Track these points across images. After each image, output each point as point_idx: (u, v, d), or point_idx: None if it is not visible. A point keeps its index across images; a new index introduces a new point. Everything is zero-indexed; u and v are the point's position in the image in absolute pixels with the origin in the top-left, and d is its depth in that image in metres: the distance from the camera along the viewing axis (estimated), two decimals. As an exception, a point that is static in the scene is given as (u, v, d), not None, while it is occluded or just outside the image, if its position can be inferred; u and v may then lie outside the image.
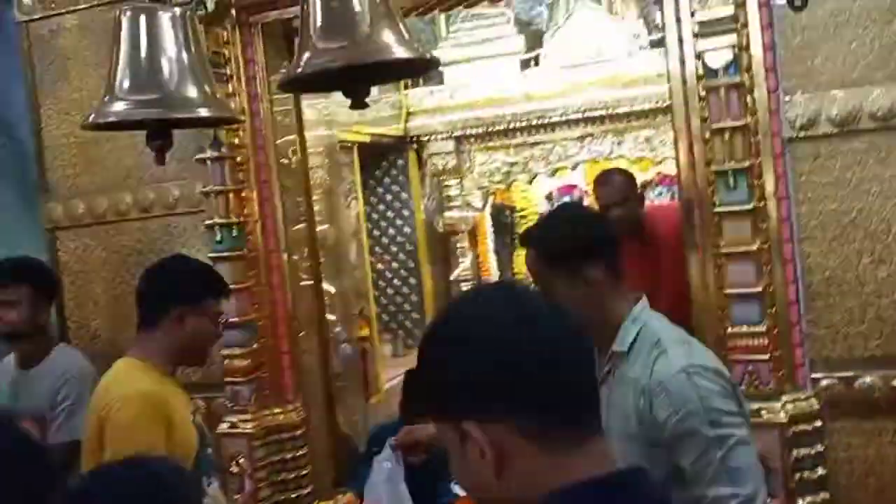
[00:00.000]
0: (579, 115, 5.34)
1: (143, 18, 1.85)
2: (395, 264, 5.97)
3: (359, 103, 1.66)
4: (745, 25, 2.64)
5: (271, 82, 3.33)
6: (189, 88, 1.83)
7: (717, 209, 2.67)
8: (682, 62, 2.74)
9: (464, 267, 5.93)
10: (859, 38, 2.63)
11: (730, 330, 2.67)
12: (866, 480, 2.69)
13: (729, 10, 2.60)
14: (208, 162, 3.27)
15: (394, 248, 5.97)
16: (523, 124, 5.46)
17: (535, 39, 5.71)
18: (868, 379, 2.66)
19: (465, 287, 5.93)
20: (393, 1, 3.11)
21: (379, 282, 5.89)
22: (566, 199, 5.77)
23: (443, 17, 5.59)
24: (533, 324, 1.08)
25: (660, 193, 5.63)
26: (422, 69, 1.82)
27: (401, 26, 1.63)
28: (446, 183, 5.79)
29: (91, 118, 1.88)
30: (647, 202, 4.64)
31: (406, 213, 5.93)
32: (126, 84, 1.81)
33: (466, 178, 5.76)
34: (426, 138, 5.71)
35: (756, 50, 2.65)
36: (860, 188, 2.65)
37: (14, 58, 3.83)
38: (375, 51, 1.57)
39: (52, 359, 3.31)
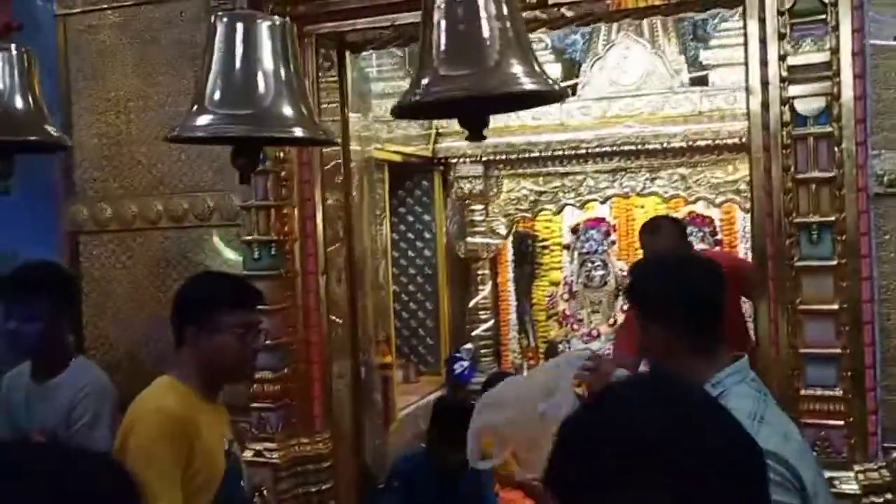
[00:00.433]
0: (614, 148, 5.23)
1: (240, 26, 1.69)
2: (412, 287, 5.82)
3: (476, 135, 1.52)
4: (838, 73, 2.52)
5: (321, 94, 3.19)
6: (284, 105, 1.67)
7: (798, 263, 2.53)
8: (766, 106, 2.61)
9: (482, 295, 5.78)
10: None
11: (802, 392, 2.53)
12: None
13: (824, 56, 2.48)
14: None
15: (412, 271, 5.83)
16: (556, 153, 5.35)
17: (569, 68, 5.60)
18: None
19: (482, 315, 5.79)
20: (395, 31, 3.03)
21: (395, 305, 5.74)
22: (593, 232, 5.63)
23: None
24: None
25: (690, 233, 5.50)
26: (550, 101, 1.68)
27: (530, 54, 1.49)
28: (471, 207, 5.67)
29: (177, 131, 1.72)
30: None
31: (427, 235, 5.79)
32: (217, 96, 1.65)
33: (492, 203, 5.64)
34: (454, 161, 5.58)
35: (847, 99, 2.53)
36: (945, 250, 2.53)
37: (48, 52, 3.67)
38: (504, 82, 1.42)
39: (70, 372, 3.12)
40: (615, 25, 5.16)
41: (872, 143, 2.57)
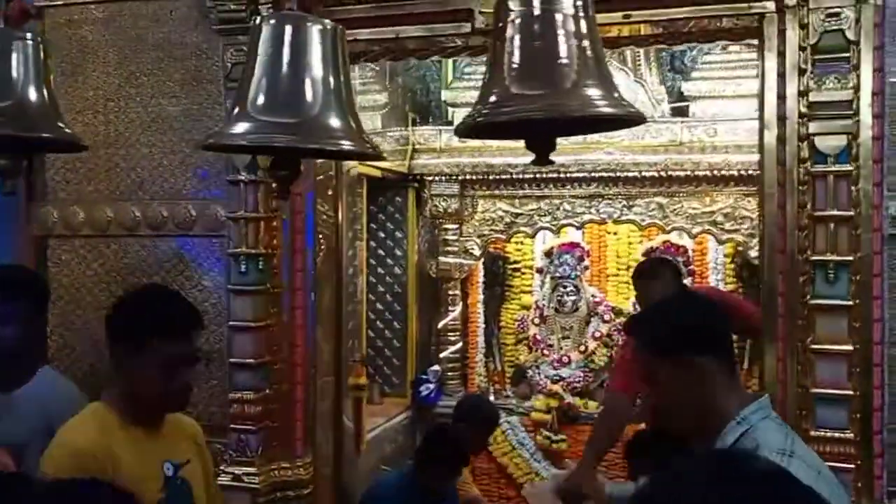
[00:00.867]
0: (592, 174, 5.19)
1: (288, 29, 1.57)
2: (380, 306, 5.69)
3: (544, 159, 1.42)
4: (857, 112, 2.50)
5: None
6: (332, 116, 1.54)
7: (811, 301, 2.49)
8: (782, 141, 2.58)
9: (452, 316, 5.68)
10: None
11: (812, 433, 2.48)
12: None
13: (847, 94, 2.45)
14: (241, 185, 2.97)
15: (381, 289, 5.69)
16: (534, 176, 5.29)
17: (550, 91, 5.56)
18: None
19: (451, 337, 5.68)
20: (395, 44, 2.93)
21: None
22: (567, 256, 5.57)
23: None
24: None
25: (664, 262, 5.48)
26: (629, 125, 1.59)
27: (609, 76, 1.40)
28: (444, 226, 5.57)
29: (214, 138, 1.58)
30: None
31: (398, 252, 5.67)
32: (260, 101, 1.52)
33: (467, 223, 5.55)
34: (430, 178, 5.48)
35: (865, 139, 2.51)
36: (955, 295, 2.52)
37: (23, 44, 3.47)
38: (580, 105, 1.33)
39: (37, 382, 2.93)
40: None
41: (889, 184, 2.55)
